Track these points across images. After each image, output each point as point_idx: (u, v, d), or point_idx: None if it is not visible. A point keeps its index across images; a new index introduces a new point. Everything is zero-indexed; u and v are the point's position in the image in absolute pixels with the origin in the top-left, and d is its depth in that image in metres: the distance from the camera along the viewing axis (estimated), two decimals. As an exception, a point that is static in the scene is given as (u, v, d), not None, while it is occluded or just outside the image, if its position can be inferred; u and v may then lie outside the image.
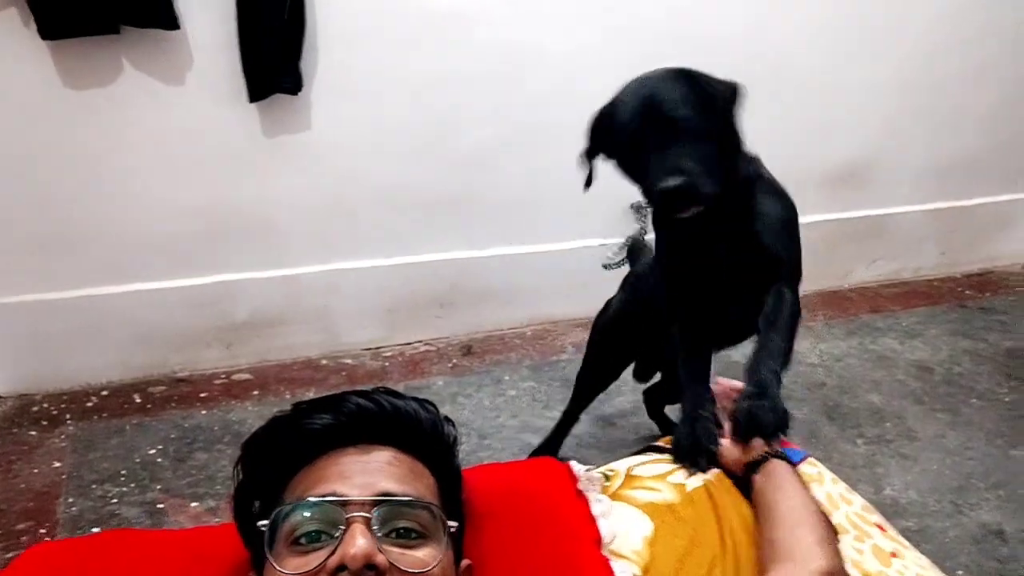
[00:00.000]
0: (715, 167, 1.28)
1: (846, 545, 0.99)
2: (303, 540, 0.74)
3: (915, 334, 2.94)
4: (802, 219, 2.99)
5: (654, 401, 2.29)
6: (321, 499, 0.75)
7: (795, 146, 2.88)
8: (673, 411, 2.22)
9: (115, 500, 1.99)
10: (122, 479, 2.06)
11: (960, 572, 1.86)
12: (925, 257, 3.37)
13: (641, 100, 1.27)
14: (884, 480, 2.16)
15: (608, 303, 1.98)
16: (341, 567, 0.69)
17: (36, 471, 2.07)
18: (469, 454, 2.17)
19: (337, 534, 0.73)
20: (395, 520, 0.76)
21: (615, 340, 1.94)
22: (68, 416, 2.29)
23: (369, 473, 0.78)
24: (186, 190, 2.27)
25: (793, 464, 1.12)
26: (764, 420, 1.18)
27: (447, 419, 0.90)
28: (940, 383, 2.62)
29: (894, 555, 0.99)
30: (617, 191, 2.62)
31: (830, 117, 2.89)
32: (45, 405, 2.33)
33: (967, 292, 3.32)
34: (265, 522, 0.75)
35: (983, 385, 2.61)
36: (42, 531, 1.88)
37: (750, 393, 1.22)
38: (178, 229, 2.30)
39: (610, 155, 1.37)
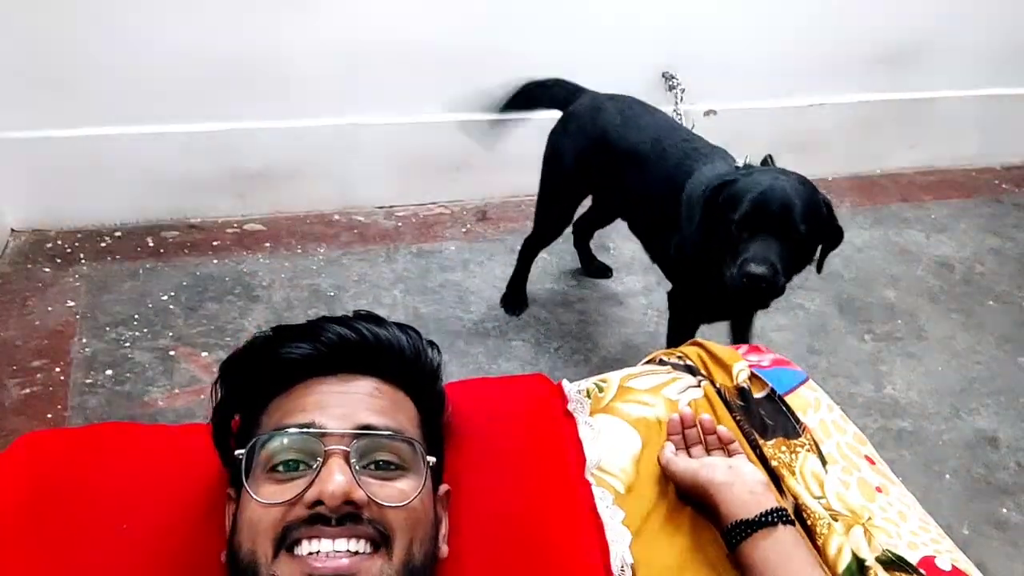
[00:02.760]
0: (792, 269, 1.56)
1: (832, 476, 0.99)
2: (280, 468, 0.74)
3: (943, 228, 2.86)
4: (842, 98, 2.89)
5: (584, 230, 2.36)
6: (300, 430, 0.74)
7: (841, 21, 2.70)
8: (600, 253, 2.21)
9: (128, 344, 2.03)
10: (135, 323, 2.10)
11: (948, 476, 1.90)
12: (966, 145, 3.22)
13: (781, 193, 1.48)
14: (886, 378, 2.17)
15: (556, 145, 1.97)
16: (318, 501, 0.69)
17: (50, 309, 2.11)
18: (476, 323, 2.20)
19: (315, 464, 0.72)
20: (374, 452, 0.75)
21: (570, 184, 2.00)
22: (82, 255, 2.30)
23: (349, 404, 0.77)
24: (200, 35, 2.17)
25: (785, 394, 1.09)
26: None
27: (431, 343, 0.87)
28: (959, 282, 2.58)
29: (879, 490, 0.99)
30: (644, 59, 2.52)
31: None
32: (59, 242, 2.34)
33: (1004, 186, 3.19)
34: (242, 451, 0.75)
35: (1002, 287, 2.57)
36: (56, 369, 1.94)
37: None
38: (189, 74, 2.22)
39: (719, 218, 1.54)
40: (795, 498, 0.97)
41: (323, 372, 0.80)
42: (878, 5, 2.72)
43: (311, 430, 0.74)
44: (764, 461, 1.01)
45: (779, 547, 0.84)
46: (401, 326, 0.85)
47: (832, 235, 1.58)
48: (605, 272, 2.43)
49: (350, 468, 0.71)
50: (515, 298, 2.25)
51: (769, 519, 0.85)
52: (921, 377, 2.18)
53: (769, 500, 0.87)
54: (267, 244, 2.42)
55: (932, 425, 2.03)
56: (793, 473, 0.99)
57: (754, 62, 2.68)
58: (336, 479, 0.69)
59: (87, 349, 2.00)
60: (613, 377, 1.11)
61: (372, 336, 0.81)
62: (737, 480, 0.90)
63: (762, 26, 2.62)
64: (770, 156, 1.71)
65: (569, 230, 2.30)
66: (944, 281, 2.57)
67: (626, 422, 1.03)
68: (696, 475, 0.92)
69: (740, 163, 1.66)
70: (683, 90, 2.50)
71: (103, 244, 2.36)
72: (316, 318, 0.84)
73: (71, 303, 2.14)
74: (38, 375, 1.93)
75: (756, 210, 1.48)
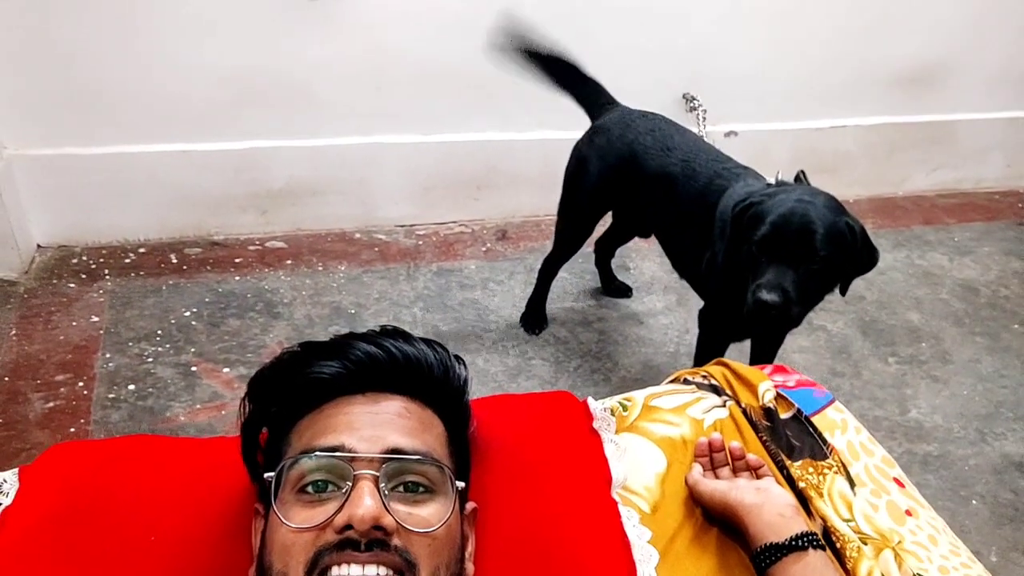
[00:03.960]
0: (811, 299, 1.53)
1: (861, 499, 0.98)
2: (309, 489, 0.74)
3: (966, 251, 2.83)
4: (862, 120, 2.88)
5: (606, 249, 2.35)
6: (329, 454, 0.74)
7: (863, 43, 2.69)
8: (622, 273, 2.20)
9: (151, 359, 2.05)
10: (158, 339, 2.11)
11: (975, 501, 1.86)
12: (989, 168, 3.20)
13: (801, 217, 1.44)
14: (911, 402, 2.14)
15: (581, 158, 1.95)
16: (348, 526, 0.69)
17: (74, 324, 2.13)
18: (496, 341, 2.19)
19: (344, 487, 0.72)
20: (403, 475, 0.75)
21: (594, 199, 1.99)
22: (106, 271, 2.33)
23: (378, 426, 0.77)
24: (224, 54, 2.20)
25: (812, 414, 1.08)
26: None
27: (458, 358, 0.87)
28: (984, 305, 2.55)
29: (909, 513, 0.98)
30: (665, 80, 2.52)
31: (903, 13, 2.67)
32: (84, 258, 2.37)
33: (1028, 209, 3.17)
34: (271, 474, 0.75)
35: (1029, 311, 2.54)
36: (80, 384, 1.95)
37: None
38: (211, 92, 2.25)
39: (743, 237, 1.52)
40: (823, 520, 0.95)
41: (351, 391, 0.80)
42: (900, 27, 2.71)
43: (340, 454, 0.74)
44: (791, 482, 1.00)
45: (809, 571, 0.82)
46: (428, 342, 0.85)
47: (862, 260, 1.52)
48: (625, 292, 2.42)
49: (379, 492, 0.71)
50: (535, 317, 2.25)
51: (799, 543, 0.84)
52: (946, 401, 2.15)
53: (799, 524, 0.86)
54: (288, 261, 2.44)
55: (958, 449, 2.00)
56: (821, 495, 0.98)
57: (775, 84, 2.68)
58: (366, 504, 0.69)
59: (110, 364, 2.02)
60: (638, 396, 1.10)
61: (401, 354, 0.81)
62: (767, 502, 0.89)
63: (783, 48, 2.62)
64: (802, 172, 1.68)
65: (590, 249, 2.30)
66: (969, 304, 2.55)
67: (651, 441, 1.03)
68: (725, 496, 0.91)
69: (772, 181, 1.64)
70: (704, 111, 2.51)
71: (127, 260, 2.38)
72: (343, 334, 0.84)
73: (95, 318, 2.16)
74: (62, 389, 1.94)
75: (775, 233, 1.46)
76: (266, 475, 0.76)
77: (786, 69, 2.67)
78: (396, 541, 0.70)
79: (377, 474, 0.73)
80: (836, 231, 1.46)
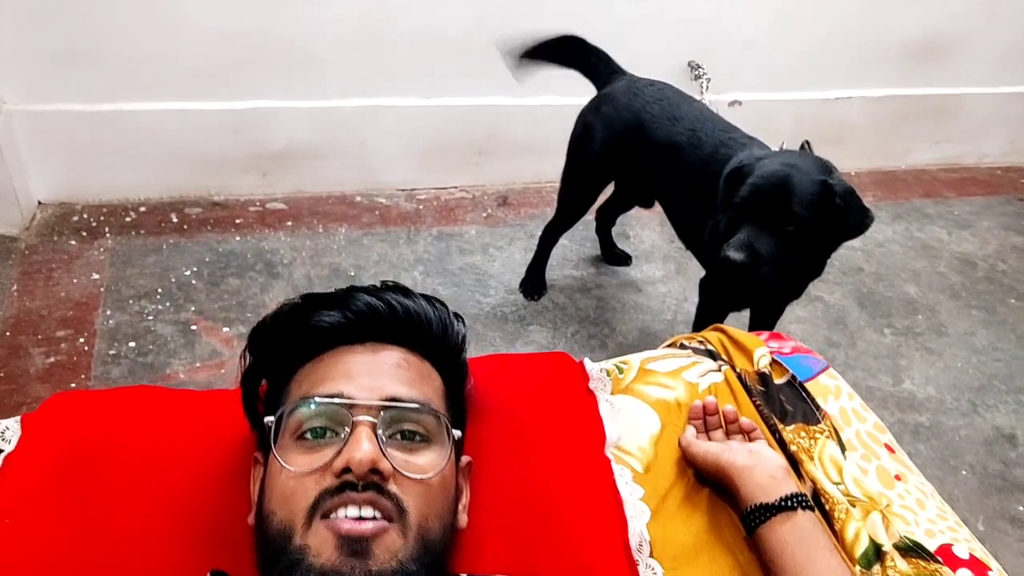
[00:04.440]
0: (788, 262, 1.49)
1: (851, 463, 1.00)
2: (308, 435, 0.75)
3: (965, 224, 2.84)
4: (869, 92, 2.85)
5: (607, 217, 2.35)
6: (328, 400, 0.75)
7: (871, 14, 2.67)
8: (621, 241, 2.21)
9: (151, 317, 2.06)
10: (158, 297, 2.12)
11: (964, 471, 1.89)
12: (993, 143, 3.19)
13: (778, 179, 1.44)
14: (905, 372, 2.16)
15: (587, 126, 1.95)
16: (346, 469, 0.71)
17: (75, 281, 2.14)
18: (495, 307, 2.20)
19: (343, 434, 0.74)
20: (400, 423, 0.77)
21: (599, 167, 1.98)
22: (107, 229, 2.33)
23: (377, 375, 0.78)
24: (226, 13, 2.18)
25: (806, 380, 1.09)
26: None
27: (457, 316, 0.88)
28: (981, 279, 2.56)
29: (898, 478, 1.00)
30: (670, 47, 2.50)
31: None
32: (85, 216, 2.37)
33: (1030, 185, 3.16)
34: (271, 419, 0.77)
35: (1025, 285, 2.55)
36: (80, 340, 1.97)
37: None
38: (213, 51, 2.23)
39: (726, 200, 1.53)
40: (813, 483, 0.97)
41: (351, 341, 0.81)
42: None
43: (339, 400, 0.75)
44: (783, 446, 1.01)
45: (797, 531, 0.84)
46: (428, 298, 0.86)
47: (848, 222, 1.49)
48: (625, 260, 2.42)
49: (376, 438, 0.73)
50: (534, 283, 2.26)
51: (788, 503, 0.85)
52: (940, 372, 2.17)
53: (789, 485, 0.88)
54: (288, 223, 2.44)
55: (950, 420, 2.02)
56: (812, 458, 1.00)
57: (780, 54, 2.66)
58: (364, 448, 0.71)
59: (111, 321, 2.03)
60: (634, 359, 1.11)
61: (401, 307, 0.82)
62: (758, 464, 0.90)
63: (790, 17, 2.60)
64: (807, 142, 1.68)
65: (590, 217, 2.30)
66: (966, 278, 2.56)
67: (646, 403, 1.04)
68: (717, 458, 0.92)
69: (776, 150, 1.64)
70: (708, 79, 2.49)
71: (128, 219, 2.38)
72: (345, 288, 0.85)
73: (96, 276, 2.16)
74: (62, 345, 1.95)
75: (752, 194, 1.46)
76: (266, 419, 0.77)
77: (792, 39, 2.64)
78: (391, 487, 0.72)
79: (375, 420, 0.74)
80: (815, 193, 1.44)
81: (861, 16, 2.66)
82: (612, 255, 2.42)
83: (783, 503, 0.86)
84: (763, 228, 1.45)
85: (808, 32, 2.64)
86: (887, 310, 2.38)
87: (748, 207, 1.46)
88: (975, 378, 2.17)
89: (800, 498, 0.86)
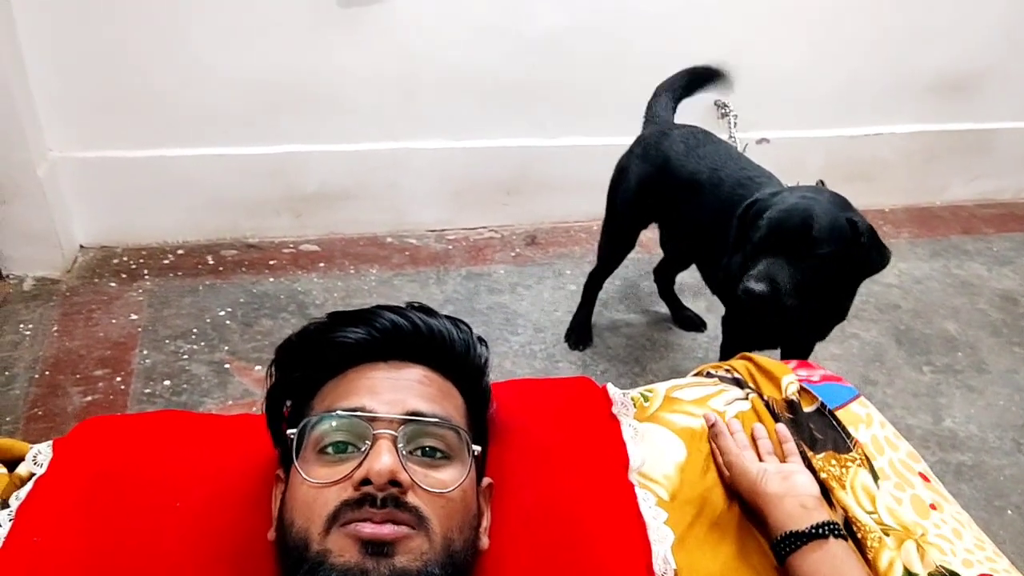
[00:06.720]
0: (810, 296, 1.46)
1: (884, 492, 0.97)
2: (330, 449, 0.76)
3: (1006, 261, 2.78)
4: (900, 128, 2.84)
5: (664, 278, 2.32)
6: (350, 413, 0.76)
7: (900, 49, 2.67)
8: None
9: (186, 357, 2.09)
10: (193, 337, 2.16)
11: (1010, 512, 1.82)
12: (1029, 178, 3.14)
13: (800, 211, 1.43)
14: (945, 411, 2.10)
15: (622, 168, 1.97)
16: (366, 481, 0.71)
17: (114, 321, 2.19)
18: (523, 345, 2.20)
19: (364, 448, 0.74)
20: (421, 439, 0.77)
21: (633, 208, 1.98)
22: (146, 271, 2.38)
23: (399, 390, 0.79)
24: (259, 61, 2.26)
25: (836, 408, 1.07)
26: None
27: (480, 339, 0.89)
28: (1022, 315, 2.49)
29: (933, 507, 0.97)
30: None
31: (943, 20, 2.64)
32: (124, 258, 2.43)
33: (1071, 221, 3.10)
34: (294, 431, 0.77)
35: (1068, 322, 2.48)
36: (117, 379, 2.00)
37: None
38: (247, 99, 2.30)
39: (743, 231, 1.53)
40: (845, 511, 0.94)
41: (375, 358, 0.82)
42: (940, 35, 2.68)
43: (361, 414, 0.76)
44: (813, 474, 0.99)
45: (829, 559, 0.82)
46: (452, 319, 0.87)
47: (869, 259, 1.49)
48: (698, 324, 2.34)
49: (397, 451, 0.73)
50: (580, 332, 2.23)
51: (820, 531, 0.84)
52: (981, 410, 2.11)
53: (821, 514, 0.86)
54: (321, 264, 2.48)
55: (993, 459, 1.96)
56: (844, 487, 0.97)
57: (809, 91, 2.67)
58: (384, 459, 0.71)
59: (147, 360, 2.07)
60: (660, 387, 1.10)
61: (425, 326, 0.83)
62: (789, 493, 0.89)
63: (817, 54, 2.61)
64: (821, 182, 1.68)
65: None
66: (1007, 314, 2.50)
67: (671, 431, 1.03)
68: (753, 484, 0.91)
69: (789, 187, 1.63)
70: (736, 116, 2.50)
71: (166, 261, 2.44)
72: (371, 306, 0.86)
73: (134, 316, 2.21)
74: (100, 384, 1.99)
75: (772, 228, 1.45)
76: (288, 431, 0.78)
77: (820, 76, 2.65)
78: (411, 499, 0.72)
79: (396, 434, 0.74)
80: (836, 227, 1.43)
81: (888, 52, 2.66)
82: (682, 318, 2.35)
83: (814, 531, 0.84)
84: (783, 260, 1.43)
85: (836, 69, 2.65)
86: (926, 347, 2.33)
87: (768, 239, 1.45)
88: (1018, 416, 2.10)
89: (832, 526, 0.84)
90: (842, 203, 1.49)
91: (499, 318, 2.31)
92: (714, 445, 1.01)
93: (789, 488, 0.89)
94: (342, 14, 2.19)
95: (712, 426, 1.02)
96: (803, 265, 1.44)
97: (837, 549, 0.83)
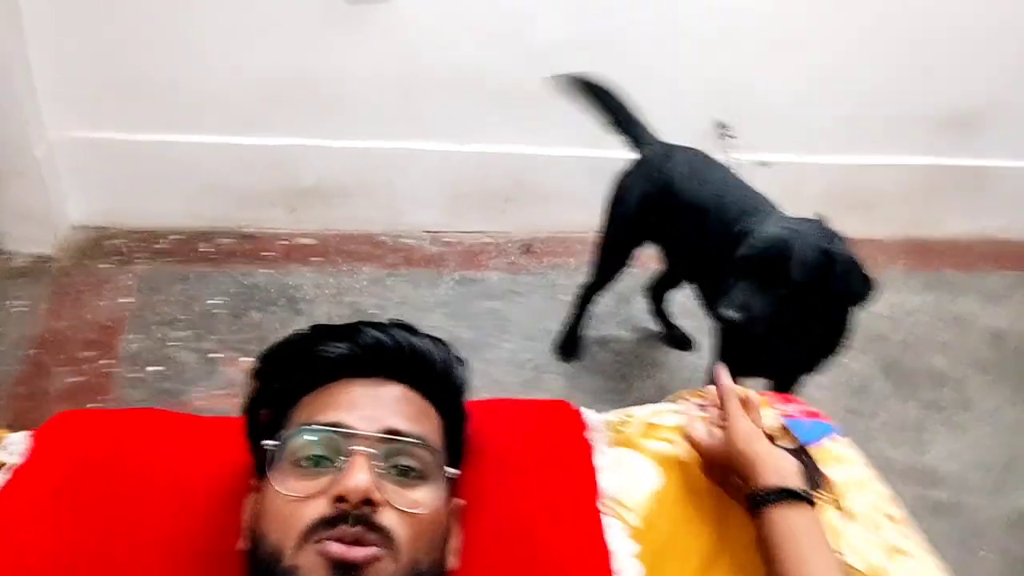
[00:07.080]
0: (784, 330, 1.50)
1: (852, 532, 0.97)
2: (304, 463, 0.76)
3: (998, 298, 2.78)
4: (902, 160, 2.83)
5: (656, 295, 2.30)
6: (327, 428, 0.76)
7: (906, 83, 2.66)
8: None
9: (173, 344, 2.09)
10: (181, 324, 2.16)
11: (983, 551, 1.83)
12: (1028, 218, 3.13)
13: (777, 241, 1.45)
14: (929, 446, 2.11)
15: (622, 187, 1.96)
16: (340, 498, 0.71)
17: (103, 304, 2.19)
18: (512, 353, 2.20)
19: (339, 463, 0.74)
20: (398, 457, 0.77)
21: (632, 227, 1.98)
22: (138, 255, 2.38)
23: (378, 407, 0.79)
24: (263, 54, 2.25)
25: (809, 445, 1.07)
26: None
27: (459, 359, 0.89)
28: (1011, 354, 2.49)
29: (901, 551, 0.97)
30: (696, 105, 2.52)
31: (950, 53, 2.64)
32: (118, 241, 2.42)
33: (1066, 261, 3.10)
34: (271, 443, 0.78)
35: (1057, 364, 2.48)
36: (102, 362, 2.01)
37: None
38: (250, 89, 2.30)
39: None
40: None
41: (356, 374, 0.82)
42: (945, 69, 2.68)
43: (338, 429, 0.76)
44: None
45: (806, 522, 0.84)
46: (433, 339, 0.87)
47: (850, 290, 1.49)
48: (684, 344, 2.34)
49: (372, 469, 0.73)
50: (570, 345, 2.23)
51: (808, 498, 0.86)
52: (964, 448, 2.11)
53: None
54: (314, 259, 2.47)
55: (972, 498, 1.96)
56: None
57: (811, 117, 2.66)
58: (359, 477, 0.71)
59: (134, 345, 2.07)
60: (638, 412, 1.10)
61: (407, 344, 0.84)
62: (786, 458, 0.90)
63: (822, 83, 2.60)
64: (818, 214, 1.67)
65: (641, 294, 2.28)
66: (996, 352, 2.50)
67: (648, 457, 1.02)
68: (750, 437, 0.91)
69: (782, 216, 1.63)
70: (734, 138, 2.50)
71: (159, 246, 2.43)
72: (354, 321, 0.86)
73: (123, 300, 2.21)
74: (85, 366, 1.99)
75: (750, 255, 1.47)
76: (265, 443, 0.78)
77: (824, 104, 2.65)
78: (381, 519, 0.72)
79: (373, 451, 0.74)
80: (814, 258, 1.44)
81: (894, 84, 2.65)
82: (671, 337, 2.34)
83: (805, 493, 0.86)
84: (758, 287, 1.46)
85: (840, 98, 2.64)
86: (913, 381, 2.33)
87: (745, 266, 1.48)
88: (1000, 456, 2.10)
89: (813, 502, 0.87)
90: (828, 234, 1.49)
91: (490, 324, 2.30)
92: (707, 414, 1.02)
93: (784, 456, 0.91)
94: (348, 11, 2.18)
95: (722, 386, 1.01)
96: (779, 294, 1.45)
97: (816, 515, 0.86)
